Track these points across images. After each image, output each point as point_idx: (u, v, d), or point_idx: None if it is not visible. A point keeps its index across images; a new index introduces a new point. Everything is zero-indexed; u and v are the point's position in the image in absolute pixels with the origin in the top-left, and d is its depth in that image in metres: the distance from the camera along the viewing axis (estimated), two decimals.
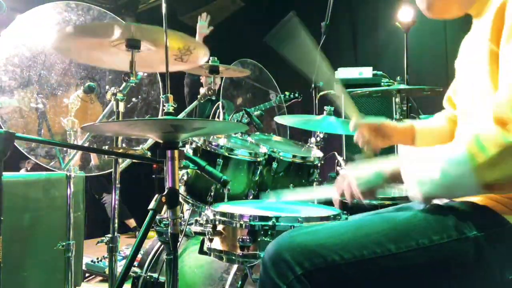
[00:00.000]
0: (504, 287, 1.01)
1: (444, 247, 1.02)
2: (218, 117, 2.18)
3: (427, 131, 1.50)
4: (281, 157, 1.94)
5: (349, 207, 1.89)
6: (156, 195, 1.25)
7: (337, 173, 2.23)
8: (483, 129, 0.95)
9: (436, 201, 1.19)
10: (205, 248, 1.46)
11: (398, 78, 2.99)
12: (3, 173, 1.23)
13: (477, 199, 1.08)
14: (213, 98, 2.21)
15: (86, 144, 1.98)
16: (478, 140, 0.93)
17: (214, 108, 2.23)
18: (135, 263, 1.96)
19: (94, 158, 2.48)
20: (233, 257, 1.37)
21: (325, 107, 2.19)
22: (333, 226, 1.17)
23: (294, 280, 1.00)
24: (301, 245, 1.04)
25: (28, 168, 4.21)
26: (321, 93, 3.31)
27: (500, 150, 0.90)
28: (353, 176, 1.18)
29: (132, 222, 4.86)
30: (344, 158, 2.26)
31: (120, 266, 2.07)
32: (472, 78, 1.12)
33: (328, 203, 1.96)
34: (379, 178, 1.15)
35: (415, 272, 1.04)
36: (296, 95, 3.84)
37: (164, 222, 1.71)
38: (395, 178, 1.13)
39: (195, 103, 2.26)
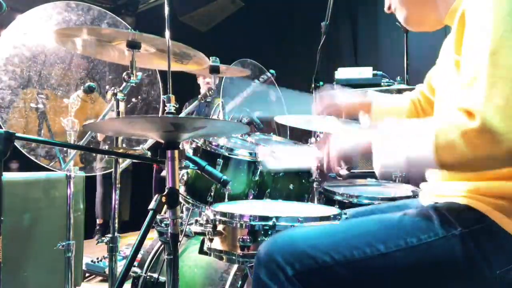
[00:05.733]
0: (493, 283, 1.03)
1: (432, 246, 1.04)
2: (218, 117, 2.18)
3: (384, 111, 1.56)
4: None
5: (348, 206, 1.89)
6: (156, 195, 1.25)
7: (337, 173, 2.23)
8: (450, 115, 0.97)
9: (425, 202, 1.20)
10: (205, 248, 1.46)
11: (398, 78, 3.00)
12: (3, 173, 1.23)
13: (460, 199, 1.10)
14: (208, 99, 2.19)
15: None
16: (445, 123, 0.95)
17: (214, 108, 2.23)
18: (135, 263, 1.96)
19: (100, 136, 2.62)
20: (233, 257, 1.37)
21: None
22: (324, 228, 1.18)
23: (286, 281, 1.02)
24: (292, 247, 1.06)
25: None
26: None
27: (460, 134, 0.91)
28: (334, 144, 1.16)
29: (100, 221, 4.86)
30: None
31: (120, 266, 2.07)
32: (445, 84, 1.17)
33: (328, 203, 1.97)
34: (355, 146, 1.14)
35: (405, 271, 1.05)
36: None
37: (165, 222, 1.71)
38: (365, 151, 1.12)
39: (195, 103, 2.26)
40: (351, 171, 2.15)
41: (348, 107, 1.60)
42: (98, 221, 4.84)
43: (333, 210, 1.52)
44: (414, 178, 1.10)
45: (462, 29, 1.03)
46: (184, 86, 3.78)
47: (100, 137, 2.75)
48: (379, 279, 1.06)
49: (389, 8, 1.31)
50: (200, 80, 4.16)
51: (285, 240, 1.09)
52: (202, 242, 1.51)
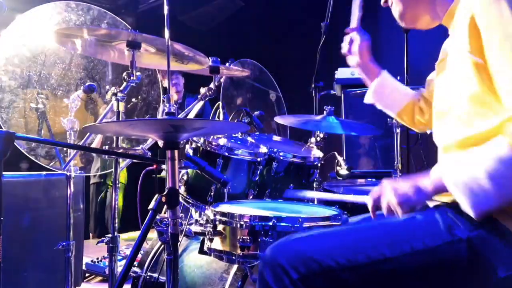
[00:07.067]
0: (498, 286, 1.01)
1: (438, 250, 1.02)
2: (218, 117, 2.18)
3: (391, 87, 1.65)
4: (281, 157, 1.94)
5: (349, 208, 1.89)
6: (156, 195, 1.25)
7: (337, 173, 2.22)
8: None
9: (431, 203, 1.19)
10: (205, 248, 1.47)
11: (398, 78, 2.99)
12: (3, 173, 1.23)
13: None
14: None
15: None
16: None
17: (214, 108, 2.23)
18: (135, 263, 1.95)
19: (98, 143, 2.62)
20: (233, 257, 1.37)
21: (325, 107, 2.19)
22: (329, 232, 1.17)
23: (290, 285, 1.01)
24: (297, 250, 1.05)
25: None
26: (322, 93, 3.30)
27: None
28: (392, 190, 1.13)
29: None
30: (344, 158, 2.25)
31: (120, 266, 2.07)
32: (456, 85, 1.14)
33: (328, 203, 1.96)
34: (421, 195, 1.10)
35: (410, 276, 1.04)
36: None
37: (165, 222, 1.71)
38: (439, 192, 1.09)
39: (195, 102, 2.26)
40: (351, 171, 2.14)
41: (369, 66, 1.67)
42: (92, 235, 4.48)
43: (334, 210, 1.51)
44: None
45: (476, 33, 1.02)
46: None
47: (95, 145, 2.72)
48: (383, 284, 1.05)
49: (386, 1, 1.32)
50: (166, 83, 3.85)
51: (290, 243, 1.09)
52: (202, 242, 1.51)
